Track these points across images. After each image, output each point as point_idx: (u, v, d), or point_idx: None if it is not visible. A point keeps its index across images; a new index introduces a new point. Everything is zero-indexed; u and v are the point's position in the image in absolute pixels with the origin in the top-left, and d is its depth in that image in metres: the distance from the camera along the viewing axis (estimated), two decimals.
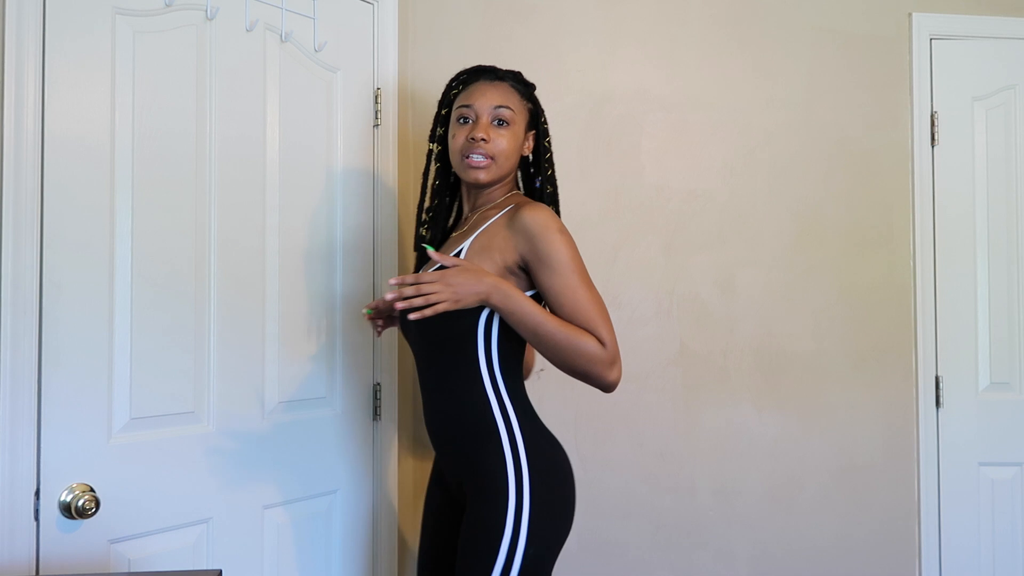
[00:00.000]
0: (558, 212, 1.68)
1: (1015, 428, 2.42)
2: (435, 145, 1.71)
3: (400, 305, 1.43)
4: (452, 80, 1.70)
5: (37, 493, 1.44)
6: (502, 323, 1.52)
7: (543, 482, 1.47)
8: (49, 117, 1.47)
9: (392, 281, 1.45)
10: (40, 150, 1.45)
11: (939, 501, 2.40)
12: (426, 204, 1.74)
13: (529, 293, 1.53)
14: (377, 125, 2.08)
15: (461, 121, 1.61)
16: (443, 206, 1.72)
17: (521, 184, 1.74)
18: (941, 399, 2.42)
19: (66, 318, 1.48)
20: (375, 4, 2.09)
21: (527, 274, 1.52)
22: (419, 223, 1.74)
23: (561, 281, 1.47)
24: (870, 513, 2.38)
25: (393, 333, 2.11)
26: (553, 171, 1.70)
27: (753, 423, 2.36)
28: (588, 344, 1.45)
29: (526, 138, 1.66)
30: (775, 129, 2.39)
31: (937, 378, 2.42)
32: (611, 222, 2.31)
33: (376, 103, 2.08)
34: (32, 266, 1.43)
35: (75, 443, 1.49)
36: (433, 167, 1.72)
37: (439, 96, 1.73)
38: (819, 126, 2.41)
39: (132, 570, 1.54)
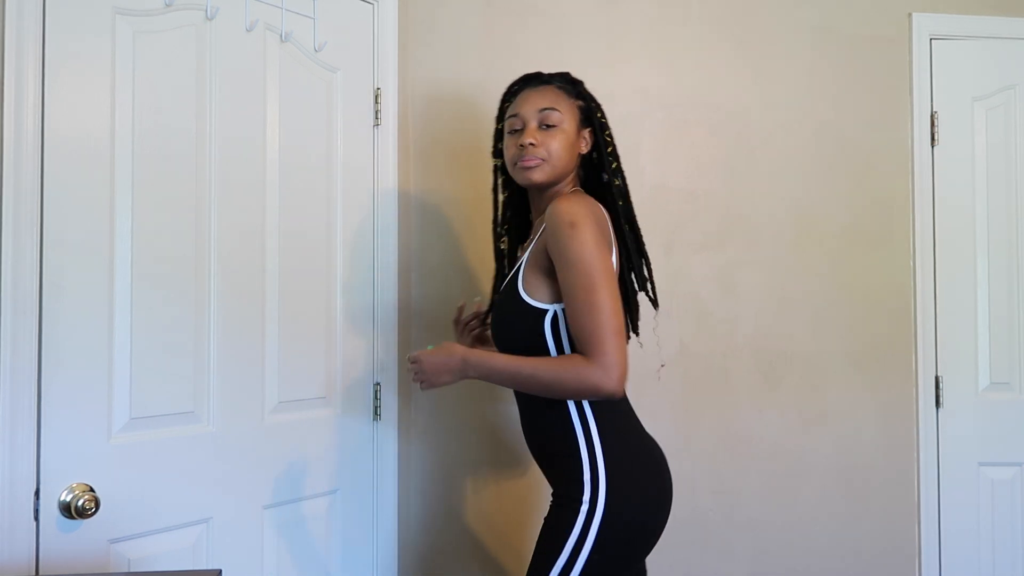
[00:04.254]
0: (628, 204, 1.65)
1: (1015, 428, 2.42)
2: (497, 160, 1.75)
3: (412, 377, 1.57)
4: (505, 93, 1.72)
5: (37, 493, 1.44)
6: (566, 327, 1.50)
7: (623, 506, 1.45)
8: (49, 117, 1.47)
9: (408, 357, 1.59)
10: (40, 150, 1.45)
11: (939, 501, 2.40)
12: (499, 218, 1.78)
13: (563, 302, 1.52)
14: (377, 125, 2.08)
15: (511, 132, 1.63)
16: (514, 216, 1.76)
17: (586, 182, 1.70)
18: (941, 399, 2.42)
19: (66, 318, 1.48)
20: (375, 4, 2.09)
21: None
22: (496, 236, 1.78)
23: (571, 279, 1.43)
24: (870, 513, 2.38)
25: (392, 331, 2.11)
26: (619, 163, 1.67)
27: (753, 423, 2.35)
28: (570, 369, 1.42)
29: (580, 136, 1.63)
30: (775, 129, 2.39)
31: (937, 378, 2.42)
32: None
33: (376, 103, 2.08)
34: (32, 266, 1.43)
35: (75, 443, 1.49)
36: (499, 181, 1.76)
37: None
38: (819, 126, 2.41)
39: (132, 570, 1.54)
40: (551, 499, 1.53)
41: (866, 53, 2.43)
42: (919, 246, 2.42)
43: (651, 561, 2.33)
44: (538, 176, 1.57)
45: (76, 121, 1.50)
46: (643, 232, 1.94)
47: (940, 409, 2.42)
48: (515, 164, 1.59)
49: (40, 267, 1.45)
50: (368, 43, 2.07)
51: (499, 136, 1.72)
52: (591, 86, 1.68)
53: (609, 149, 1.65)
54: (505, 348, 1.55)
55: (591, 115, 1.65)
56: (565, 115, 1.60)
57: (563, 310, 1.49)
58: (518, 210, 1.76)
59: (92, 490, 1.48)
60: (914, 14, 2.44)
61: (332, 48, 1.97)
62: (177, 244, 1.65)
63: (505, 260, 1.78)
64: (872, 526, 2.38)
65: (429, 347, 1.56)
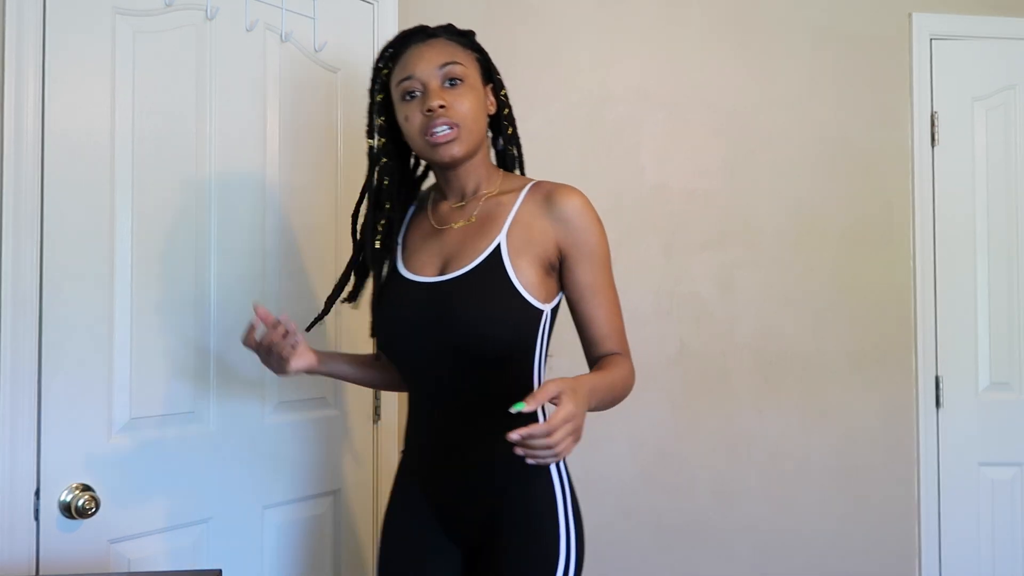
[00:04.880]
0: (516, 170, 1.48)
1: (1015, 428, 2.42)
2: (377, 140, 1.42)
3: (530, 461, 1.12)
4: (378, 60, 1.41)
5: (37, 493, 1.44)
6: (550, 330, 1.37)
7: (578, 510, 1.38)
8: (49, 117, 1.46)
9: (521, 434, 1.07)
10: (40, 150, 1.45)
11: (939, 501, 2.40)
12: (363, 209, 1.45)
13: (555, 301, 1.36)
14: None
15: (407, 98, 1.34)
16: (399, 210, 1.44)
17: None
18: (941, 399, 2.42)
19: (66, 318, 1.48)
20: (375, 4, 2.09)
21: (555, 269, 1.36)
22: (367, 236, 1.43)
23: (601, 278, 1.34)
24: (870, 513, 2.38)
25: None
26: (515, 129, 1.46)
27: (753, 423, 2.35)
28: (630, 373, 1.35)
29: (486, 93, 1.40)
30: (775, 129, 2.39)
31: (937, 378, 2.42)
32: (611, 222, 2.29)
33: None
34: (32, 265, 1.43)
35: (75, 443, 1.49)
36: (379, 166, 1.42)
37: None
38: (819, 126, 2.41)
39: (132, 570, 1.54)
40: (499, 531, 1.32)
41: (866, 53, 2.43)
42: (919, 246, 2.42)
43: (651, 561, 2.34)
44: (459, 150, 1.32)
45: (76, 121, 1.50)
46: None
47: (940, 409, 2.42)
48: (424, 137, 1.32)
49: (40, 267, 1.44)
50: (368, 43, 2.07)
51: (378, 110, 1.42)
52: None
53: (506, 111, 1.42)
54: (471, 354, 1.29)
55: (490, 70, 1.42)
56: (468, 68, 1.36)
57: (553, 310, 1.36)
58: (404, 200, 1.46)
59: (92, 490, 1.48)
60: (914, 14, 2.44)
61: (332, 48, 1.97)
62: (177, 243, 1.65)
63: (375, 260, 1.41)
64: (872, 526, 2.38)
65: (519, 406, 1.08)
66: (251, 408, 1.78)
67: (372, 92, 1.42)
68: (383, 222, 1.42)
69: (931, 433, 2.41)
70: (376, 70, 1.41)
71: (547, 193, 1.35)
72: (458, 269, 1.32)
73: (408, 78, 1.34)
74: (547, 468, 1.32)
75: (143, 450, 1.58)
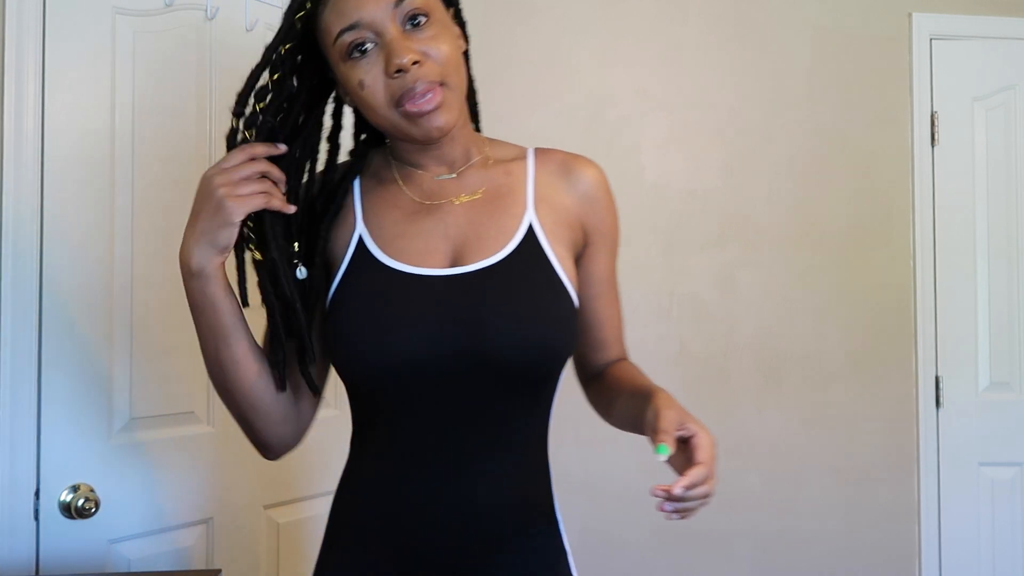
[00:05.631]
0: (479, 129, 1.14)
1: (1015, 428, 2.42)
2: (243, 126, 1.00)
3: (676, 517, 0.86)
4: (291, 7, 0.97)
5: (37, 493, 1.44)
6: None
7: None
8: (49, 117, 1.46)
9: (681, 488, 0.82)
10: (40, 150, 1.45)
11: (939, 501, 2.40)
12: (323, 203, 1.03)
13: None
14: None
15: (355, 55, 0.94)
16: (339, 195, 1.04)
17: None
18: (941, 399, 2.42)
19: (66, 318, 1.48)
20: None
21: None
22: (276, 264, 1.01)
23: (613, 265, 1.11)
24: (870, 513, 2.38)
25: None
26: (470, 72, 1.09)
27: (753, 423, 2.35)
28: None
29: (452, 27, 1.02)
30: (775, 129, 2.39)
31: (937, 378, 2.42)
32: None
33: None
34: (32, 266, 1.43)
35: (75, 443, 1.48)
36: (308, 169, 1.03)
37: None
38: (819, 126, 2.41)
39: (132, 570, 1.54)
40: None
41: (866, 53, 2.43)
42: (919, 246, 2.42)
43: (651, 561, 2.34)
44: (448, 118, 0.95)
45: (76, 121, 1.50)
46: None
47: (940, 409, 2.42)
48: (396, 110, 0.94)
49: (40, 267, 1.44)
50: None
51: (279, 89, 0.98)
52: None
53: (466, 49, 1.06)
54: (524, 372, 0.97)
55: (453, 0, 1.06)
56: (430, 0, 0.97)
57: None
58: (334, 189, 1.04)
59: (92, 490, 1.48)
60: (914, 14, 2.44)
61: None
62: (177, 243, 1.65)
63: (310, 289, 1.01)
64: (872, 526, 2.38)
65: (663, 450, 0.88)
66: None
67: (274, 65, 0.98)
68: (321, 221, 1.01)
69: (931, 433, 2.41)
70: (288, 25, 0.97)
71: (563, 163, 1.07)
72: (484, 257, 0.98)
73: (351, 27, 0.93)
74: (556, 526, 1.04)
75: (143, 450, 1.58)
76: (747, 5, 2.40)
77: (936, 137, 2.44)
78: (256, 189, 0.95)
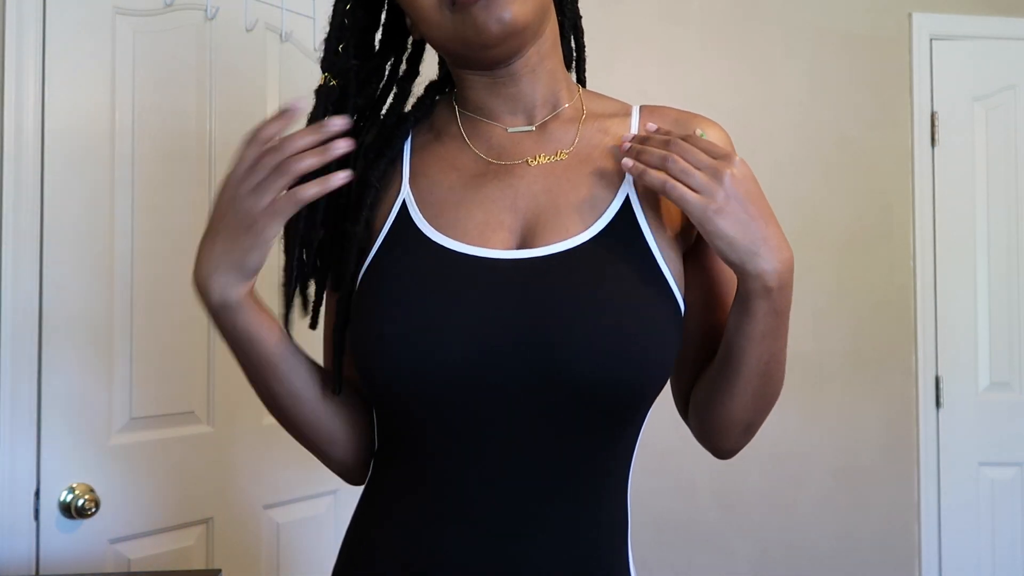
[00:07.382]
0: (581, 82, 1.00)
1: (1015, 428, 2.42)
2: (330, 76, 0.81)
3: (628, 164, 0.73)
4: None
5: (37, 493, 1.44)
6: None
7: None
8: (49, 117, 1.46)
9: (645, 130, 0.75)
10: (40, 150, 1.45)
11: (939, 501, 2.40)
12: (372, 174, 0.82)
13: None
14: None
15: None
16: (398, 138, 0.85)
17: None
18: (941, 399, 2.42)
19: (66, 318, 1.48)
20: None
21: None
22: (355, 213, 0.81)
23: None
24: (870, 513, 2.38)
25: None
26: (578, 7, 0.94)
27: None
28: None
29: None
30: (775, 129, 2.39)
31: (937, 378, 2.42)
32: None
33: None
34: (32, 266, 1.43)
35: (75, 443, 1.49)
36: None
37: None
38: (819, 126, 2.41)
39: (132, 570, 1.54)
40: None
41: (866, 53, 2.43)
42: (919, 246, 2.42)
43: (652, 561, 2.34)
44: (517, 8, 0.73)
45: (76, 121, 1.50)
46: None
47: (940, 409, 2.42)
48: (444, 8, 0.75)
49: (40, 267, 1.45)
50: None
51: (342, 30, 0.83)
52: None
53: None
54: (615, 394, 0.75)
55: None
56: None
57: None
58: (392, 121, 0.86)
59: (92, 490, 1.48)
60: (914, 14, 2.44)
61: None
62: (177, 243, 1.65)
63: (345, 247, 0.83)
64: (872, 526, 2.38)
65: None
66: (251, 408, 1.78)
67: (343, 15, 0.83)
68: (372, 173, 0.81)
69: (931, 433, 2.41)
70: None
71: (677, 122, 0.83)
72: (562, 239, 0.75)
73: None
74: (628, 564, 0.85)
75: (143, 450, 1.58)
76: (747, 5, 2.40)
77: (936, 137, 2.44)
78: (283, 184, 0.71)
